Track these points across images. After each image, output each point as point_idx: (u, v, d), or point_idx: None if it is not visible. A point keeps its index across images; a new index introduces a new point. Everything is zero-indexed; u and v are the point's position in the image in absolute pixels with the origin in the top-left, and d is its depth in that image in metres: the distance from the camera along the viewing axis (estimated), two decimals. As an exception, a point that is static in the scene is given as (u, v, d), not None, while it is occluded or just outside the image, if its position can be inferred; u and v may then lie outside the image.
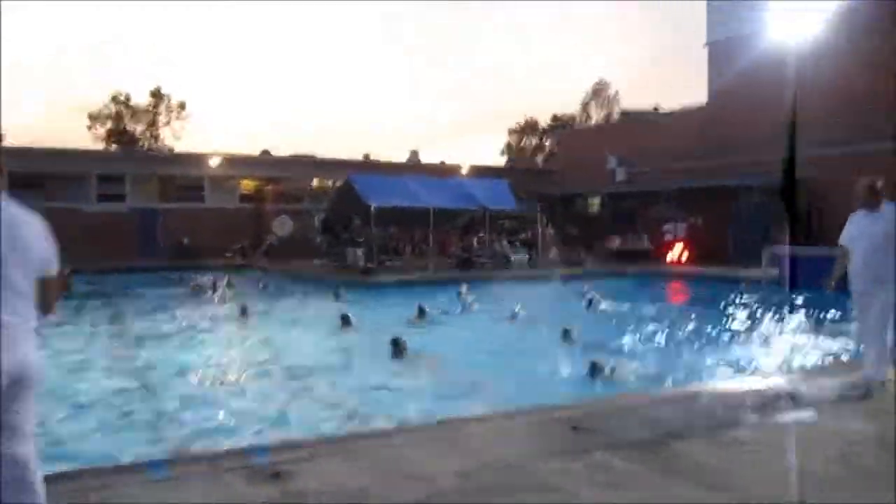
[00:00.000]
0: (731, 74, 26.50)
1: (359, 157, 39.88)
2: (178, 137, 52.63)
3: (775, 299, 15.86)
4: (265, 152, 38.29)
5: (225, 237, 29.89)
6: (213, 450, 5.87)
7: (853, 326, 7.99)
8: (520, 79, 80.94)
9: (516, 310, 14.50)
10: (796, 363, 9.90)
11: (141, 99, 52.35)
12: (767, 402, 6.30)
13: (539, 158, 59.00)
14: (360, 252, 23.06)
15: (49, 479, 4.36)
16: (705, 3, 30.13)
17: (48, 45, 68.25)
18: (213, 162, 32.51)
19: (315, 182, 36.29)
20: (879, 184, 6.71)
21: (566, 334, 11.82)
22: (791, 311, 14.12)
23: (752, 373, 9.42)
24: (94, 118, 51.38)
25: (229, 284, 21.29)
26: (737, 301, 16.33)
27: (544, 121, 60.57)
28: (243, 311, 15.23)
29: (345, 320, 13.45)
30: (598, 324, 13.76)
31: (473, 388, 8.73)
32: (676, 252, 25.63)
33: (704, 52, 30.18)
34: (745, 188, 24.94)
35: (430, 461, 4.78)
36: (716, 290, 18.53)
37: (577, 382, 8.95)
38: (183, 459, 5.44)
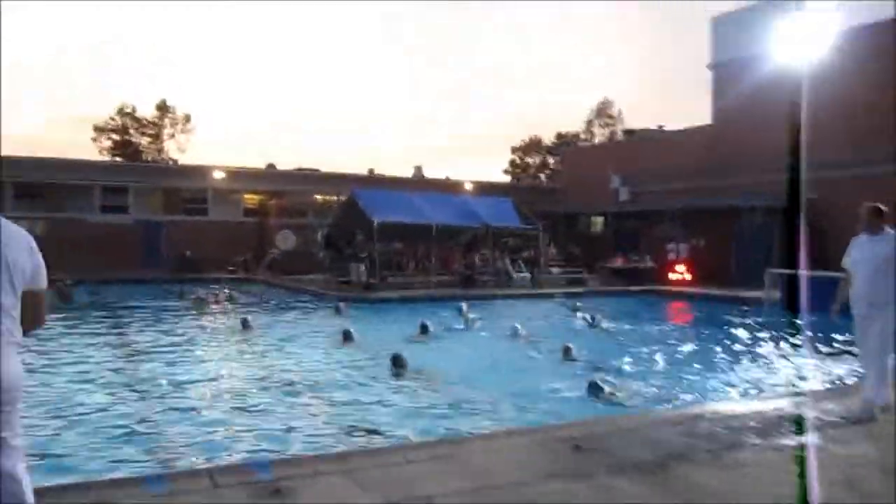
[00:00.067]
0: (735, 95, 26.58)
1: (363, 171, 40.04)
2: (183, 150, 52.94)
3: (777, 321, 15.83)
4: (270, 166, 38.43)
5: (228, 250, 29.92)
6: (212, 465, 5.85)
7: (855, 350, 7.97)
8: (524, 96, 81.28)
9: (518, 327, 14.49)
10: (798, 386, 9.87)
11: (146, 111, 52.68)
12: (770, 425, 6.28)
13: (543, 176, 59.13)
14: (362, 267, 23.06)
15: (46, 493, 4.36)
16: (709, 24, 30.31)
17: (49, 49, 68.57)
18: (217, 175, 32.61)
19: (319, 196, 36.37)
20: (883, 207, 6.71)
21: (567, 352, 11.81)
22: (793, 334, 14.08)
23: (754, 395, 9.39)
24: (99, 130, 51.65)
25: (231, 298, 21.31)
26: (739, 322, 16.31)
27: (548, 139, 60.81)
28: (245, 325, 15.21)
29: (346, 336, 13.43)
30: (599, 342, 13.73)
31: (474, 405, 8.71)
32: (679, 272, 25.59)
33: (709, 74, 30.33)
34: (748, 209, 24.93)
35: (431, 480, 4.76)
36: (718, 310, 18.52)
37: (577, 401, 8.92)
38: (181, 474, 5.43)
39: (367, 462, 5.20)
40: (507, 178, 57.86)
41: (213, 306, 19.81)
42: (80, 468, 6.22)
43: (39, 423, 7.63)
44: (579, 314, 17.65)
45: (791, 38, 18.92)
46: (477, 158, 78.89)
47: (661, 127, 37.65)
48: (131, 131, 52.63)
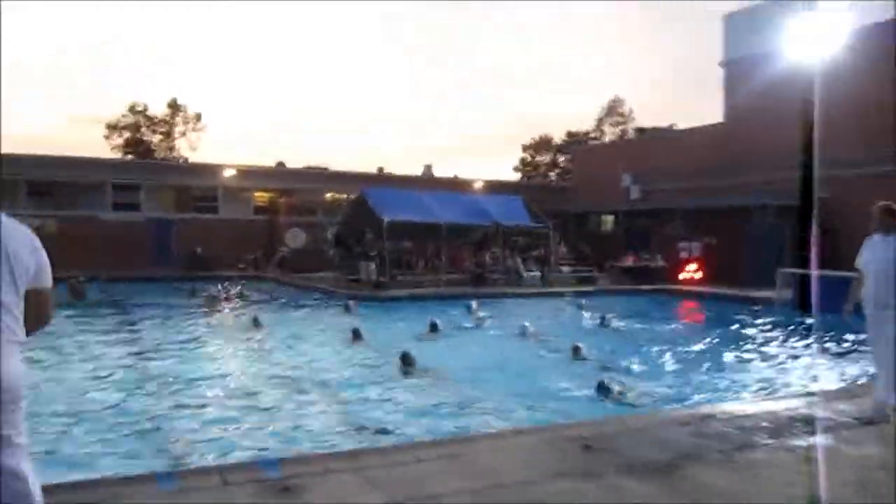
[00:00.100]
0: (747, 93, 26.44)
1: (373, 170, 40.05)
2: (194, 148, 53.10)
3: (789, 321, 15.75)
4: (280, 164, 38.49)
5: (238, 248, 30.04)
6: (222, 462, 5.87)
7: (866, 349, 7.92)
8: (534, 95, 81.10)
9: (527, 326, 14.48)
10: (810, 386, 9.81)
11: (158, 109, 52.87)
12: (781, 425, 6.25)
13: (553, 175, 59.01)
14: (372, 266, 23.07)
15: (57, 490, 4.38)
16: (721, 22, 30.17)
17: (53, 48, 68.96)
18: (228, 173, 32.71)
19: (328, 195, 36.42)
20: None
21: (576, 351, 11.79)
22: (804, 334, 14.02)
23: (765, 395, 9.35)
24: (111, 128, 51.90)
25: (242, 295, 21.38)
26: (750, 322, 16.23)
27: (559, 137, 60.65)
28: (255, 323, 15.27)
29: (356, 334, 13.45)
30: (609, 341, 13.69)
31: (482, 404, 8.71)
32: (690, 271, 25.48)
33: (720, 71, 30.19)
34: (759, 208, 24.80)
35: (440, 479, 4.75)
36: (729, 310, 18.42)
37: (586, 400, 8.90)
38: (191, 471, 5.45)
39: (376, 460, 5.20)
40: (516, 177, 57.81)
41: (224, 304, 19.89)
42: (91, 465, 6.25)
43: (51, 420, 7.68)
44: (585, 313, 17.66)
45: (803, 36, 18.79)
46: (486, 157, 78.85)
47: (672, 125, 37.52)
48: (143, 129, 52.83)
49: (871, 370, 7.87)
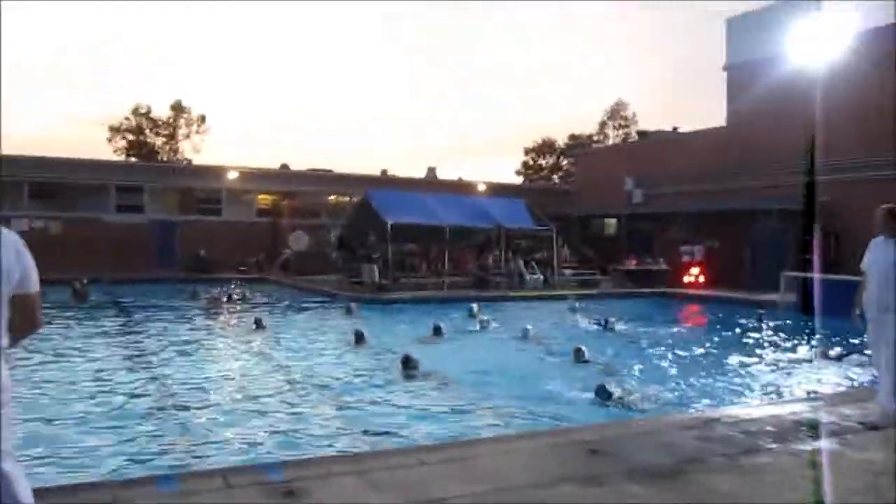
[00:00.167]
0: (750, 97, 26.42)
1: (376, 172, 40.07)
2: (198, 150, 53.12)
3: (793, 325, 15.73)
4: (283, 166, 38.52)
5: (241, 250, 30.07)
6: (224, 465, 5.86)
7: (870, 353, 7.89)
8: (537, 97, 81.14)
9: (528, 329, 14.46)
10: (814, 389, 9.78)
11: (161, 111, 52.92)
12: (786, 429, 6.22)
13: (555, 178, 58.97)
14: (375, 268, 23.08)
15: (59, 492, 4.38)
16: (724, 25, 30.15)
17: (55, 49, 69.09)
18: (231, 175, 32.75)
19: (332, 197, 36.44)
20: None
21: (579, 354, 11.76)
22: (809, 337, 13.98)
23: (770, 399, 9.32)
24: (114, 130, 51.94)
25: (244, 297, 21.38)
26: (754, 325, 16.20)
27: (562, 140, 60.64)
28: (258, 325, 15.26)
29: (358, 336, 13.45)
30: (612, 345, 13.66)
31: (484, 407, 8.69)
32: (693, 274, 25.46)
33: (723, 75, 30.16)
34: (762, 211, 24.77)
35: (444, 482, 4.73)
36: (732, 313, 18.40)
37: (589, 404, 8.88)
38: (194, 474, 5.43)
39: (379, 463, 5.18)
40: (519, 180, 57.77)
41: (227, 306, 19.89)
42: (91, 467, 6.24)
43: (52, 422, 7.68)
44: (578, 316, 17.68)
45: (805, 40, 18.79)
46: (489, 160, 78.89)
47: (675, 129, 37.47)
48: (146, 131, 52.88)
49: (875, 374, 7.83)
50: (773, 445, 5.79)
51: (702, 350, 13.30)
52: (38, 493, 4.37)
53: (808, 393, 9.50)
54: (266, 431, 7.55)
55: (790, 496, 4.67)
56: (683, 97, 74.38)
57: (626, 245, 29.86)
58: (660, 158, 32.19)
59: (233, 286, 23.62)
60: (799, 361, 12.16)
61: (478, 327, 15.68)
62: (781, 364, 11.92)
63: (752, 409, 7.85)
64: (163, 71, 72.48)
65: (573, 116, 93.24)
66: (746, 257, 25.03)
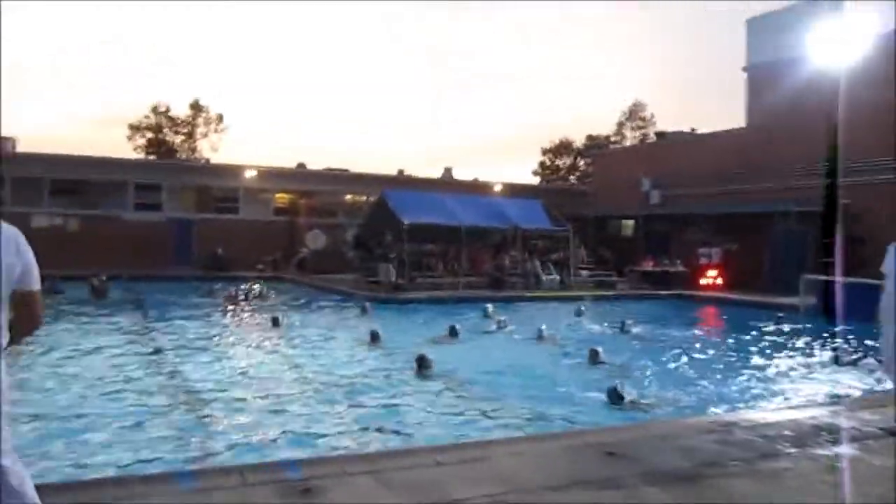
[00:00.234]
0: (770, 99, 26.23)
1: (392, 171, 40.08)
2: (216, 149, 53.41)
3: (813, 328, 15.57)
4: (300, 165, 38.65)
5: (258, 249, 30.20)
6: (242, 462, 5.87)
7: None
8: (555, 97, 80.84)
9: (542, 330, 14.42)
10: (834, 394, 9.68)
11: (180, 110, 53.26)
12: (805, 434, 6.16)
13: (573, 178, 58.79)
14: (391, 267, 23.10)
15: (75, 488, 4.41)
16: (745, 26, 29.94)
17: (67, 46, 69.59)
18: (249, 174, 32.91)
19: (349, 196, 36.53)
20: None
21: (594, 356, 11.70)
22: (830, 341, 13.84)
23: (789, 403, 9.23)
24: (134, 129, 52.35)
25: (261, 296, 21.48)
26: (773, 329, 16.07)
27: (579, 140, 60.44)
28: (275, 323, 15.32)
29: (374, 336, 13.46)
30: (628, 347, 13.58)
31: (499, 408, 8.66)
32: (711, 276, 25.28)
33: (743, 76, 29.95)
34: (781, 214, 24.56)
35: (459, 484, 4.72)
36: (751, 316, 18.23)
37: (604, 406, 8.83)
38: (211, 471, 5.45)
39: (394, 463, 5.18)
40: (536, 180, 57.65)
41: (244, 304, 19.98)
42: (110, 464, 6.28)
43: (70, 419, 7.74)
44: (604, 318, 17.57)
45: (826, 41, 18.62)
46: (506, 160, 78.58)
47: (693, 130, 37.23)
48: (165, 130, 53.23)
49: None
50: (793, 450, 5.73)
51: (719, 353, 13.21)
52: (57, 489, 4.42)
53: (829, 397, 9.40)
54: (281, 429, 7.57)
55: (808, 501, 4.62)
56: (702, 98, 73.91)
57: (643, 246, 29.70)
58: (678, 160, 32.02)
59: (250, 284, 23.72)
60: (819, 365, 12.04)
61: (493, 328, 15.65)
62: (801, 368, 11.81)
63: (771, 413, 7.77)
64: (182, 71, 72.99)
65: (591, 117, 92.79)
66: (765, 260, 24.82)
